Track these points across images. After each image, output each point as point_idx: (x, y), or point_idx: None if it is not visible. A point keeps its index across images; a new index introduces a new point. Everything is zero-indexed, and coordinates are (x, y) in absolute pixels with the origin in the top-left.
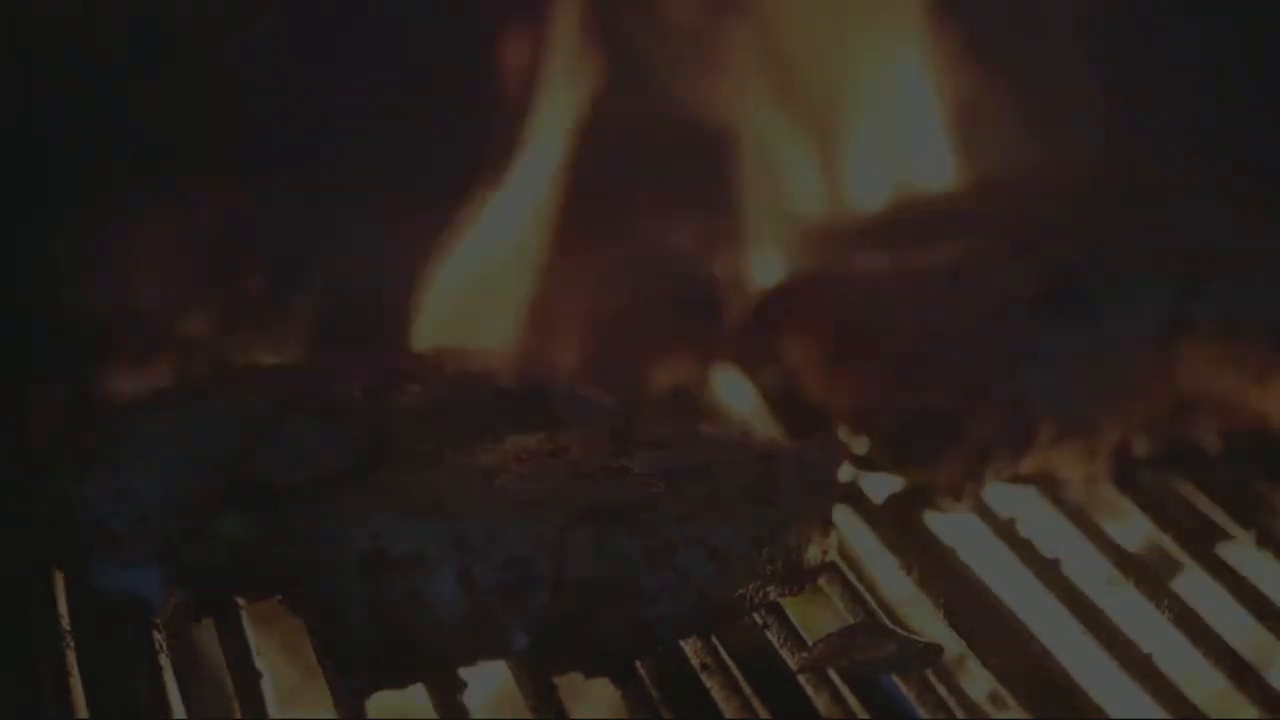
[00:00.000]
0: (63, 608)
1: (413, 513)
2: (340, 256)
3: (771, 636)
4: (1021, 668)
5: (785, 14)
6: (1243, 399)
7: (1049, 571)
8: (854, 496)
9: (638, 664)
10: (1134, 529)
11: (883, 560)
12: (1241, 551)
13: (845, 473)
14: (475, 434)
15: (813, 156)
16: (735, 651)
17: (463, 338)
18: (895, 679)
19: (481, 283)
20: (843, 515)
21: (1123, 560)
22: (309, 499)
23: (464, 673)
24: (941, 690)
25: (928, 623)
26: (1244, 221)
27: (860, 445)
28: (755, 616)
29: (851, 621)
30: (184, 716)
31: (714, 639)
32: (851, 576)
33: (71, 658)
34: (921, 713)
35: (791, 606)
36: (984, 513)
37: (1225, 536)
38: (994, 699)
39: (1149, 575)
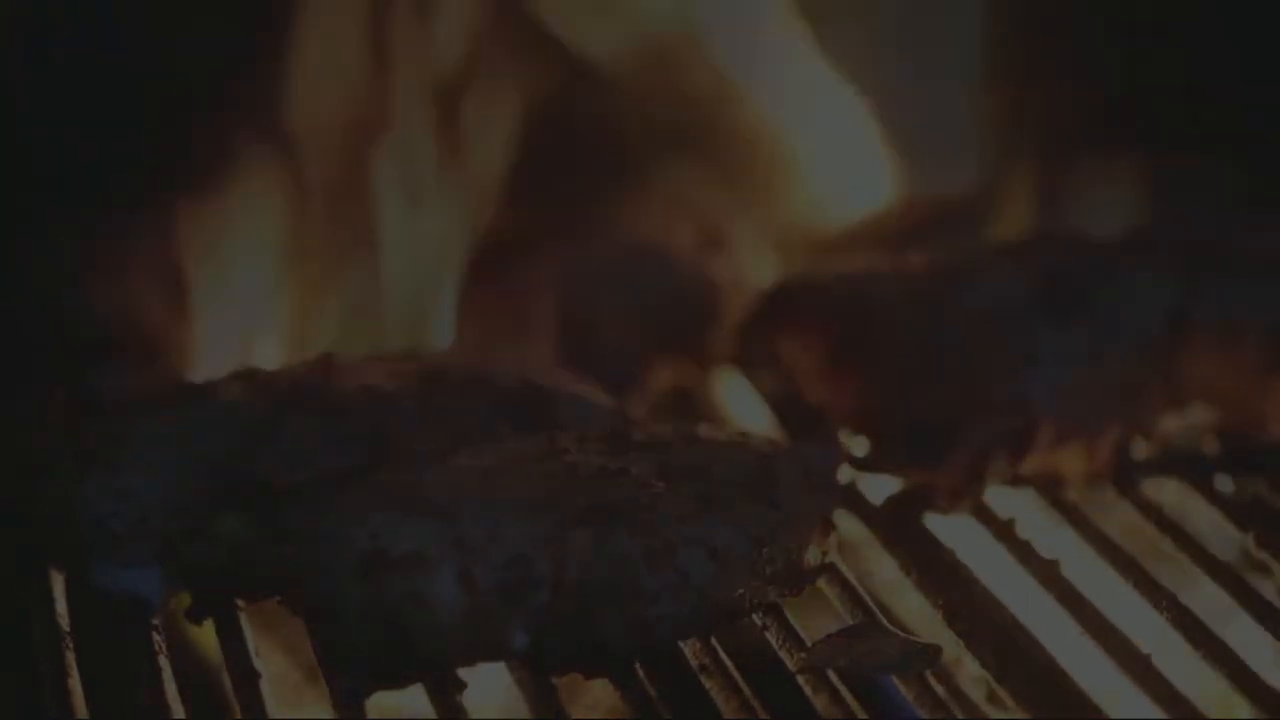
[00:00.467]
0: (63, 608)
1: (413, 513)
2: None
3: (771, 637)
4: (1020, 668)
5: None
6: (1243, 399)
7: (1048, 572)
8: (854, 497)
9: (638, 664)
10: (1133, 530)
11: (882, 561)
12: (1240, 553)
13: (845, 473)
14: (475, 434)
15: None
16: (735, 652)
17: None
18: (894, 679)
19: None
20: (842, 516)
21: (1122, 561)
22: (309, 499)
23: (464, 673)
24: (940, 690)
25: (927, 623)
26: (1244, 221)
27: (860, 446)
28: (755, 617)
29: (851, 622)
30: (184, 716)
31: (714, 639)
32: (851, 577)
33: (71, 658)
34: (920, 713)
35: (791, 607)
36: (983, 514)
37: (1224, 538)
38: (993, 699)
39: (1148, 576)
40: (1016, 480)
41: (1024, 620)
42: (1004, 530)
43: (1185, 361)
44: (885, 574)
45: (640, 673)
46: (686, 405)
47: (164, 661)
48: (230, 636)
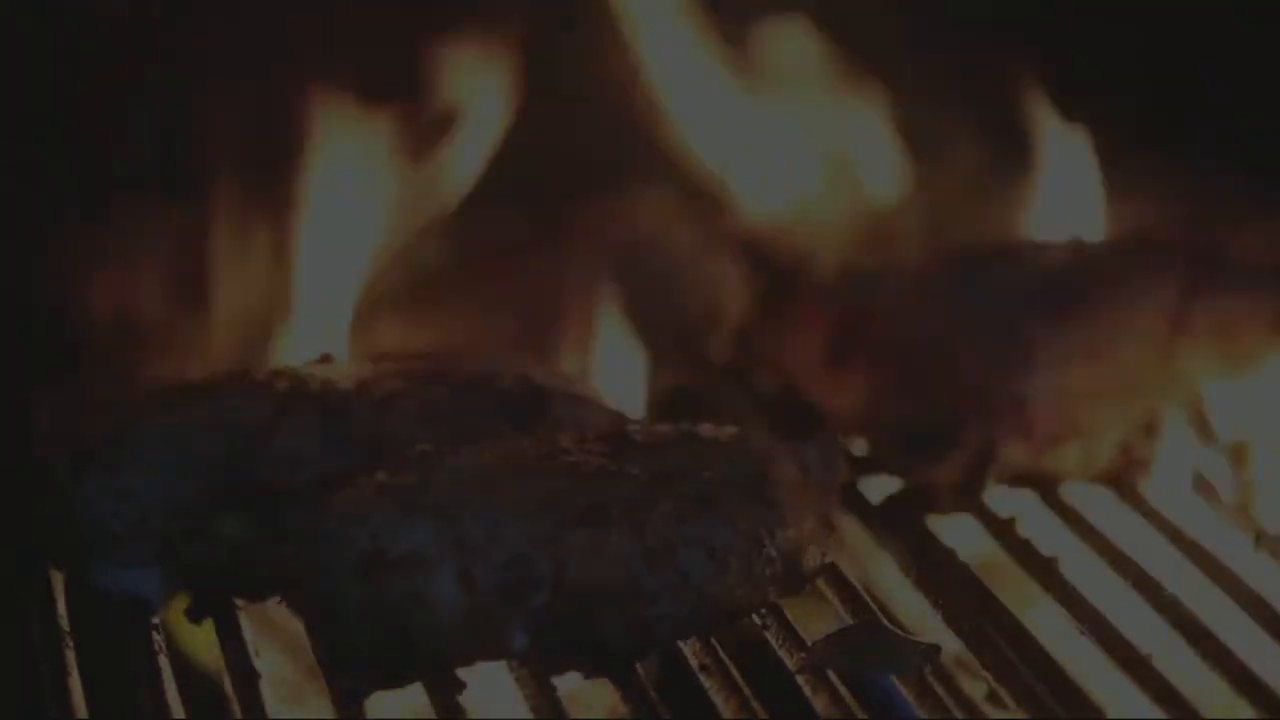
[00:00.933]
0: (63, 608)
1: (413, 513)
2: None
3: (771, 637)
4: (1020, 668)
5: None
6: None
7: (1048, 572)
8: (853, 497)
9: (638, 664)
10: (1133, 530)
11: (882, 560)
12: (1240, 553)
13: (845, 473)
14: (475, 434)
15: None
16: (734, 652)
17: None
18: (894, 679)
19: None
20: (842, 516)
21: (1121, 561)
22: (309, 499)
23: (464, 673)
24: (940, 690)
25: (927, 623)
26: (1244, 221)
27: (859, 446)
28: (755, 617)
29: (850, 622)
30: (184, 716)
31: (713, 639)
32: (851, 577)
33: (71, 658)
34: (920, 713)
35: (791, 607)
36: (983, 513)
37: (1224, 538)
38: (993, 699)
39: (1148, 576)
40: (1016, 480)
41: (1024, 620)
42: (1004, 530)
43: (1184, 361)
44: (885, 574)
45: (640, 673)
46: (686, 405)
47: (164, 661)
48: (230, 636)
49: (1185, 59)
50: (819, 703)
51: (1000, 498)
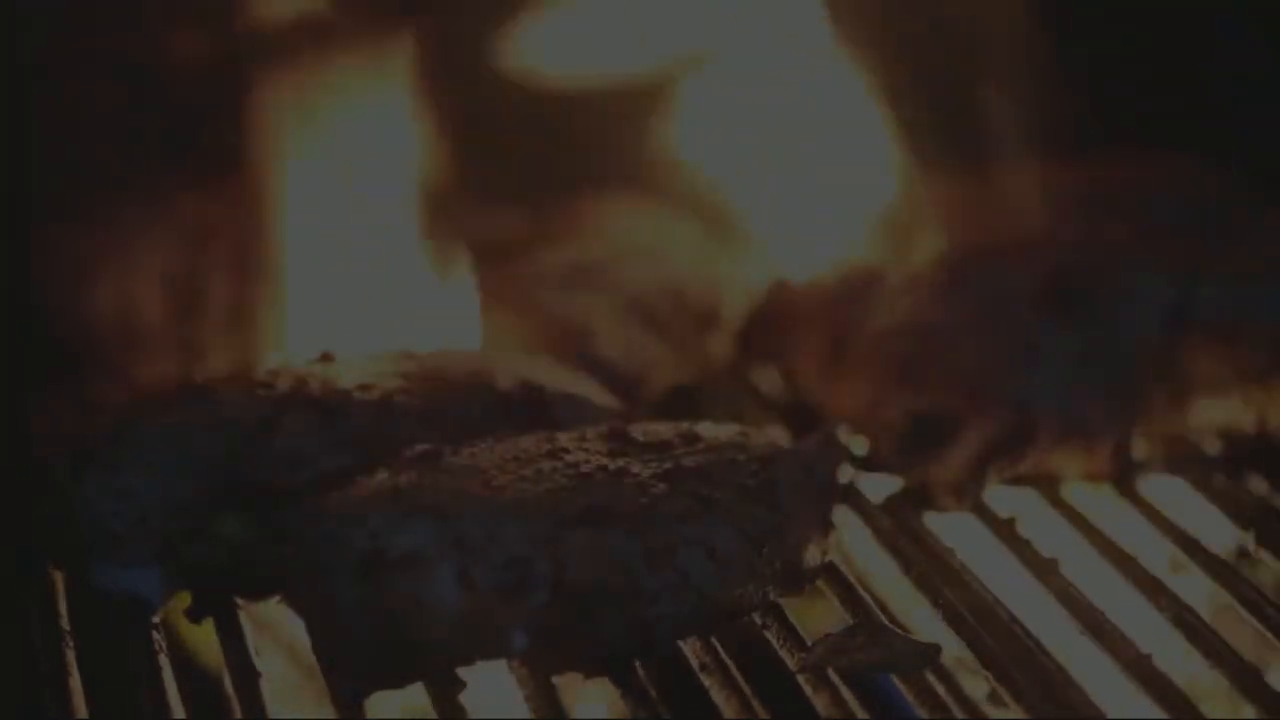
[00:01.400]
0: (63, 608)
1: (412, 513)
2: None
3: (771, 637)
4: (1020, 668)
5: None
6: (1243, 400)
7: (1048, 572)
8: (854, 496)
9: (638, 664)
10: (1133, 530)
11: (882, 560)
12: (1240, 552)
13: (845, 473)
14: (474, 434)
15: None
16: (735, 652)
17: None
18: (895, 679)
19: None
20: (842, 515)
21: (1121, 561)
22: (309, 499)
23: (463, 673)
24: (941, 690)
25: (927, 623)
26: (1244, 221)
27: (860, 445)
28: (755, 617)
29: (851, 621)
30: (184, 716)
31: (714, 639)
32: (851, 577)
33: (71, 658)
34: (921, 713)
35: (791, 606)
36: (983, 513)
37: (1224, 538)
38: (993, 699)
39: (1148, 576)
40: (1016, 480)
41: (1024, 620)
42: (1004, 530)
43: (1185, 361)
44: (885, 574)
45: (640, 673)
46: (686, 405)
47: (164, 661)
48: (230, 636)
49: (1185, 59)
50: (819, 702)
51: (1000, 498)
